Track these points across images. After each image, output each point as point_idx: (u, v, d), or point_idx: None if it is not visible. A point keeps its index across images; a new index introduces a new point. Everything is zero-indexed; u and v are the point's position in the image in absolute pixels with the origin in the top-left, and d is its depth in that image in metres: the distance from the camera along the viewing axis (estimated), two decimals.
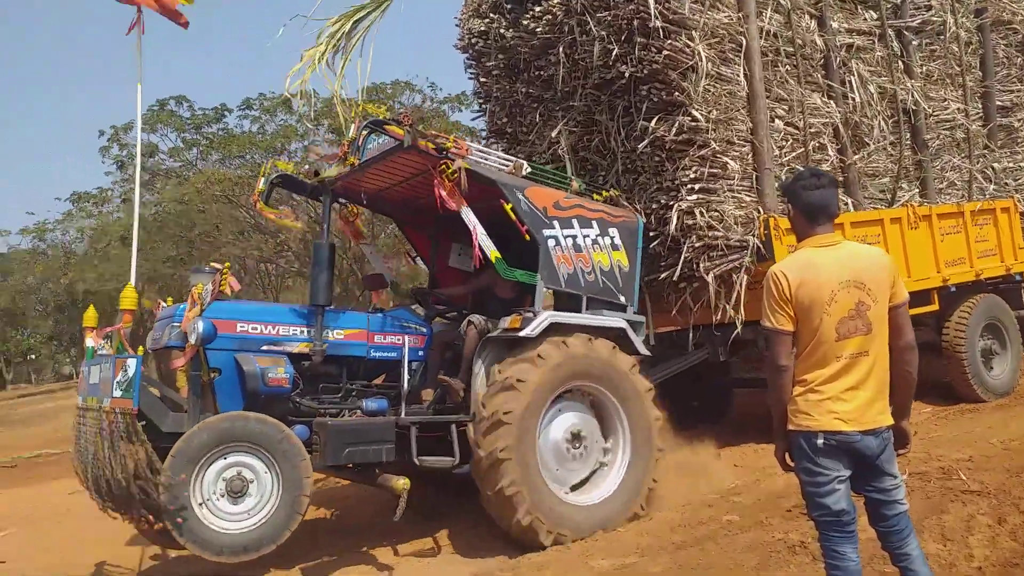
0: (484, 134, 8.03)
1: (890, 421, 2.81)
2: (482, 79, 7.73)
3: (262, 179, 5.90)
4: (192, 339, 4.55)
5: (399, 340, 5.49)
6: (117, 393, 4.32)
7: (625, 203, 6.14)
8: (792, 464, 2.93)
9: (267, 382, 4.74)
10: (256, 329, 5.00)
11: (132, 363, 4.35)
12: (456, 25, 7.90)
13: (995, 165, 8.36)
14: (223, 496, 4.34)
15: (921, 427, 6.98)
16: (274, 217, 6.12)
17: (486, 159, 5.45)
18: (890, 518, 2.82)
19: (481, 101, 8.00)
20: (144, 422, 4.46)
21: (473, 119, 8.41)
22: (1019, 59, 8.88)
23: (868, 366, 2.77)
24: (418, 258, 7.12)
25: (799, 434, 2.82)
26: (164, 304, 5.27)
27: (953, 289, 7.63)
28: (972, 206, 7.91)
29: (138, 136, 7.52)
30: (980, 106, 8.45)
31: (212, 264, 4.88)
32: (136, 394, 4.30)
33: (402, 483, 4.81)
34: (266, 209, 5.85)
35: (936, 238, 7.53)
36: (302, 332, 5.15)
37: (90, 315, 5.32)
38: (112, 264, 22.55)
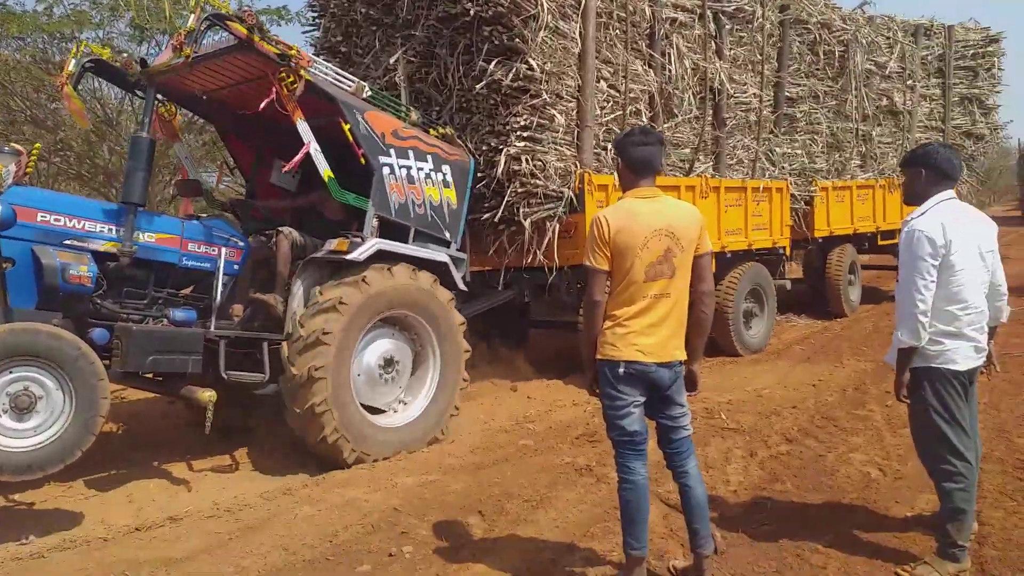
0: (314, 50, 7.74)
1: (683, 356, 3.22)
2: None
3: (72, 60, 5.33)
4: None
5: (214, 251, 5.30)
6: None
7: (460, 143, 6.26)
8: (595, 389, 3.30)
9: (67, 279, 4.41)
10: (59, 221, 4.61)
11: None
12: None
13: (776, 149, 9.43)
14: (6, 412, 3.99)
15: None
16: (77, 106, 5.56)
17: (326, 75, 5.32)
18: (675, 441, 3.28)
19: (315, 15, 7.71)
20: None
21: (304, 32, 8.05)
22: (808, 57, 9.99)
23: (669, 306, 3.14)
24: (235, 169, 6.83)
25: (604, 363, 3.17)
26: None
27: (729, 256, 8.59)
28: (754, 183, 8.89)
29: None
30: (772, 94, 9.44)
31: (12, 145, 4.39)
32: None
33: (208, 395, 4.72)
34: (73, 96, 5.32)
35: (721, 208, 8.40)
36: (110, 230, 4.81)
37: None
38: None
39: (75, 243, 4.64)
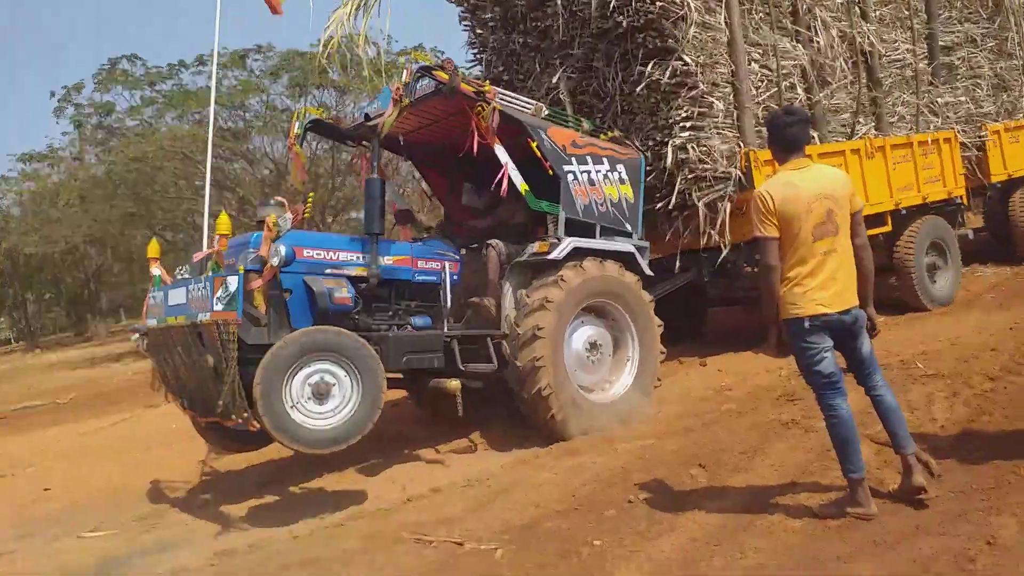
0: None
1: (857, 302, 3.65)
2: (478, 31, 8.27)
3: (296, 123, 6.40)
4: (274, 261, 5.04)
5: (438, 266, 6.14)
6: (219, 307, 4.71)
7: (628, 142, 6.83)
8: (780, 347, 3.78)
9: (334, 300, 5.30)
10: (320, 255, 5.55)
11: (233, 280, 4.76)
12: None
13: (938, 100, 9.30)
14: (310, 399, 4.81)
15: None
16: (303, 162, 6.54)
17: (511, 102, 6.06)
18: (862, 362, 3.73)
19: (476, 52, 8.52)
20: None
21: (467, 68, 8.91)
22: (959, 3, 9.78)
23: (837, 261, 3.59)
24: (433, 196, 7.75)
25: (791, 320, 3.63)
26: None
27: (904, 212, 8.57)
28: (920, 137, 8.82)
29: (213, 76, 7.70)
30: (925, 46, 9.33)
31: (276, 198, 5.39)
32: (240, 307, 4.75)
33: (455, 383, 5.53)
34: (300, 153, 6.34)
35: (889, 166, 8.42)
36: (359, 258, 5.71)
37: (153, 247, 5.90)
38: (61, 226, 22.19)
39: (334, 271, 5.56)
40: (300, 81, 20.31)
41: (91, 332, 35.18)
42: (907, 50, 8.97)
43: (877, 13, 8.79)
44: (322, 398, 4.84)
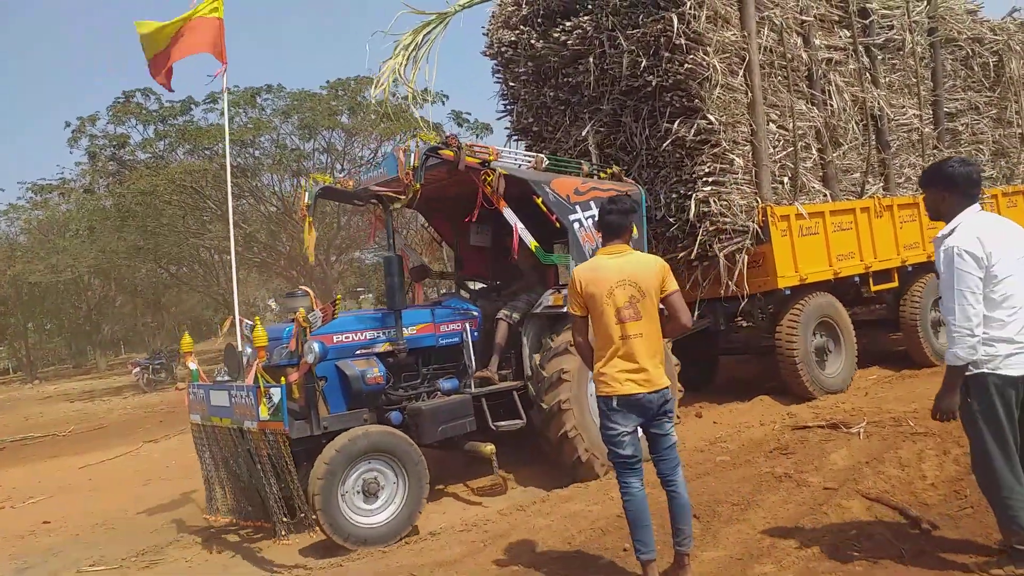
0: (509, 132, 8.91)
1: (667, 383, 3.74)
2: (510, 83, 8.63)
3: (306, 193, 6.34)
4: (309, 359, 5.11)
5: (459, 326, 6.30)
6: (264, 416, 4.92)
7: (627, 179, 6.99)
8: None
9: (367, 382, 5.46)
10: (349, 338, 5.70)
11: (276, 392, 4.93)
12: (484, 35, 8.77)
13: None
14: (359, 494, 5.04)
15: (871, 389, 8.10)
16: (310, 232, 6.37)
17: (512, 158, 6.21)
18: (663, 450, 3.80)
19: (507, 103, 8.84)
20: None
21: (498, 118, 9.28)
22: (963, 72, 10.24)
23: (644, 344, 3.67)
24: (442, 243, 7.97)
25: (601, 398, 3.74)
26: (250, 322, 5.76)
27: (910, 269, 8.90)
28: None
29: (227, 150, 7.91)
30: (931, 112, 9.76)
31: (301, 287, 5.56)
32: (285, 416, 4.92)
33: (489, 448, 5.64)
34: (310, 225, 6.29)
35: (897, 225, 8.79)
36: (385, 334, 5.87)
37: (186, 341, 6.08)
38: (66, 256, 22.35)
39: (364, 351, 5.72)
40: (310, 122, 20.74)
41: (90, 364, 35.01)
42: (914, 115, 9.39)
43: (887, 80, 9.24)
44: (370, 496, 5.06)
